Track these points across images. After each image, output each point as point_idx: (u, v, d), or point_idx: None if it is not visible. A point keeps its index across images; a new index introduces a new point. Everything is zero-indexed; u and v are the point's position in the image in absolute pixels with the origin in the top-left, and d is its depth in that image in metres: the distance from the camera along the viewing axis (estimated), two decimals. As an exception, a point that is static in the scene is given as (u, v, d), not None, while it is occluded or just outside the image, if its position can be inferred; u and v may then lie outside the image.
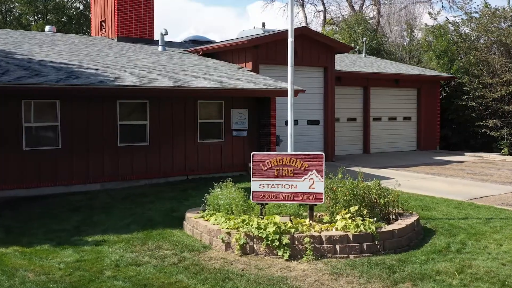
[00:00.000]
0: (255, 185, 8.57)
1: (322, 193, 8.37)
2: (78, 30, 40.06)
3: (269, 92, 15.25)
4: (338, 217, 8.25)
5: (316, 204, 8.50)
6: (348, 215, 8.18)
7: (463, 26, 26.76)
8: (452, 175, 16.24)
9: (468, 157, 21.71)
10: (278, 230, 7.68)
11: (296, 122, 18.54)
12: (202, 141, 15.24)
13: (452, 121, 25.28)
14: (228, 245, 7.94)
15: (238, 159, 15.43)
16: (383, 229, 8.02)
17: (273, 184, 8.50)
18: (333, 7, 67.93)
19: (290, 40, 9.27)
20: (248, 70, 17.21)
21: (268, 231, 7.66)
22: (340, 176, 9.23)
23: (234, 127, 15.81)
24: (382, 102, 22.75)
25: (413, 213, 9.30)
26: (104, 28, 21.29)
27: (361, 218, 8.12)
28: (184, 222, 9.32)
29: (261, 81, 15.80)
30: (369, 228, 7.83)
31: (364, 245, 7.73)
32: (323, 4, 42.33)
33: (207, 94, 14.59)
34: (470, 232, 8.84)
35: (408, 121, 23.95)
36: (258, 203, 8.71)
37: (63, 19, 41.32)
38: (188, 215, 9.23)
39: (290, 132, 9.42)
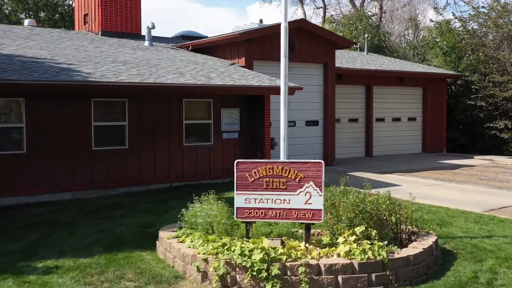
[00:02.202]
0: (240, 200, 7.07)
1: (321, 209, 6.88)
2: (72, 28, 38.64)
3: (263, 89, 13.76)
4: (341, 239, 6.77)
5: (313, 223, 7.02)
6: (353, 237, 6.69)
7: (470, 22, 25.29)
8: (464, 181, 14.76)
9: (478, 160, 20.23)
10: (266, 258, 6.20)
11: (293, 123, 17.09)
12: (189, 144, 13.75)
13: (460, 122, 23.84)
14: (205, 275, 6.45)
15: (228, 164, 13.88)
16: (396, 255, 6.53)
17: (261, 199, 7.00)
18: (333, 3, 66.32)
19: (284, 26, 7.78)
20: (241, 66, 15.73)
21: (254, 259, 6.17)
22: (342, 187, 7.75)
23: (224, 128, 14.33)
24: (386, 101, 21.27)
25: (430, 231, 7.81)
26: (87, 22, 19.80)
27: (368, 242, 6.63)
28: (157, 242, 7.84)
29: (254, 78, 14.32)
30: (379, 255, 6.34)
31: (373, 276, 6.25)
32: (323, 0, 40.85)
33: (193, 92, 13.10)
34: (499, 256, 7.34)
35: (413, 122, 22.47)
36: (243, 222, 7.22)
37: (55, 17, 39.90)
38: (162, 234, 7.74)
39: (284, 134, 7.93)
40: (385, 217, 7.19)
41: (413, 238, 7.41)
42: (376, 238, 6.79)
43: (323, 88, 17.90)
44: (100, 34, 18.57)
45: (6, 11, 39.80)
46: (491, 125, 21.74)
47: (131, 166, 12.78)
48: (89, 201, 11.47)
